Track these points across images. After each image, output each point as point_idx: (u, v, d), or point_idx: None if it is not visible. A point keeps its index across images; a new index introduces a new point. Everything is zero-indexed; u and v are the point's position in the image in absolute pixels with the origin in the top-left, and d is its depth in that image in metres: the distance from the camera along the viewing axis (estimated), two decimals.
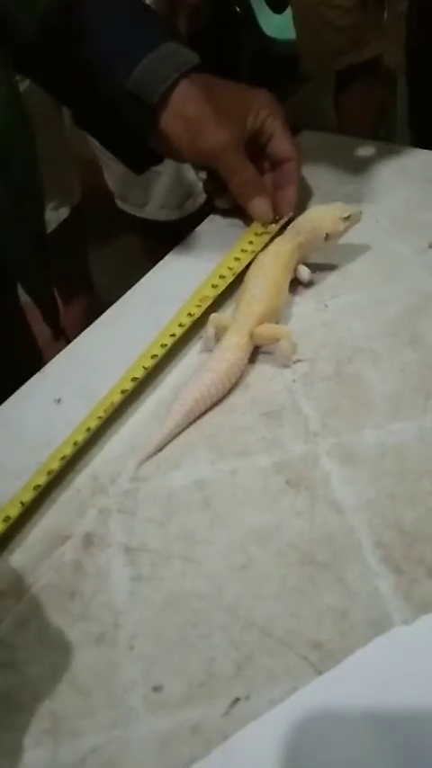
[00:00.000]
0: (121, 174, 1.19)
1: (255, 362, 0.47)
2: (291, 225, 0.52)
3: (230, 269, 0.52)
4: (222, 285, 0.50)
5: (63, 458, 0.41)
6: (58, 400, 0.46)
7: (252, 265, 0.50)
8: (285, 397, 0.44)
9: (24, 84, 0.54)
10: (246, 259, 0.52)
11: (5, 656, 0.34)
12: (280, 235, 0.52)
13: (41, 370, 0.48)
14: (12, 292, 0.63)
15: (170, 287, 0.53)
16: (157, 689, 0.32)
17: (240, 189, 0.54)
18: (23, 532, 0.39)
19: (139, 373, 0.45)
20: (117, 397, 0.44)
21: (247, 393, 0.45)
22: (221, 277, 0.51)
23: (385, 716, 0.31)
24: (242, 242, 0.54)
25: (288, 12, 1.39)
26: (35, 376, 0.48)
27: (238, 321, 0.46)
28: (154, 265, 0.56)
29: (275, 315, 0.47)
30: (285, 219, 0.55)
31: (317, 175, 0.62)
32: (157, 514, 0.39)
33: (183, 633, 0.34)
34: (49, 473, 0.40)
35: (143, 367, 0.45)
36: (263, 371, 0.46)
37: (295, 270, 0.51)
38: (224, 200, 0.57)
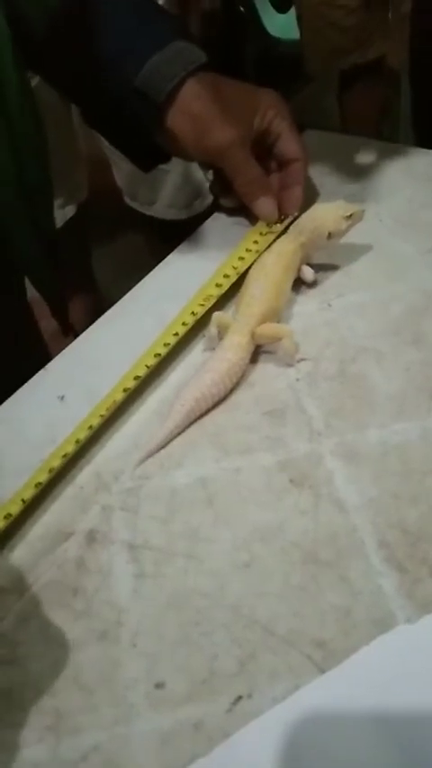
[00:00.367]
0: (130, 172, 1.19)
1: (258, 361, 0.47)
2: (293, 224, 0.52)
3: (235, 268, 0.51)
4: (226, 284, 0.50)
5: (65, 456, 0.41)
6: (62, 397, 0.46)
7: (254, 265, 0.50)
8: (289, 396, 0.44)
9: (34, 81, 0.54)
10: (250, 258, 0.52)
11: (8, 653, 0.34)
12: (284, 234, 0.52)
13: (45, 367, 0.48)
14: (19, 289, 0.63)
15: (174, 285, 0.53)
16: (159, 686, 0.32)
17: (246, 188, 0.54)
18: (26, 529, 0.39)
19: (142, 372, 0.45)
20: (120, 396, 0.44)
21: (250, 391, 0.45)
22: (226, 276, 0.51)
23: (388, 714, 0.31)
24: (247, 241, 0.54)
25: (292, 11, 1.39)
26: (38, 373, 0.48)
27: (239, 321, 0.46)
28: (159, 264, 0.56)
29: (276, 315, 0.47)
30: (290, 219, 0.55)
31: (320, 175, 0.62)
32: (160, 512, 0.39)
33: (185, 631, 0.34)
34: (50, 471, 0.40)
35: (146, 365, 0.45)
36: (266, 370, 0.46)
37: (299, 270, 0.51)
38: (230, 199, 0.57)
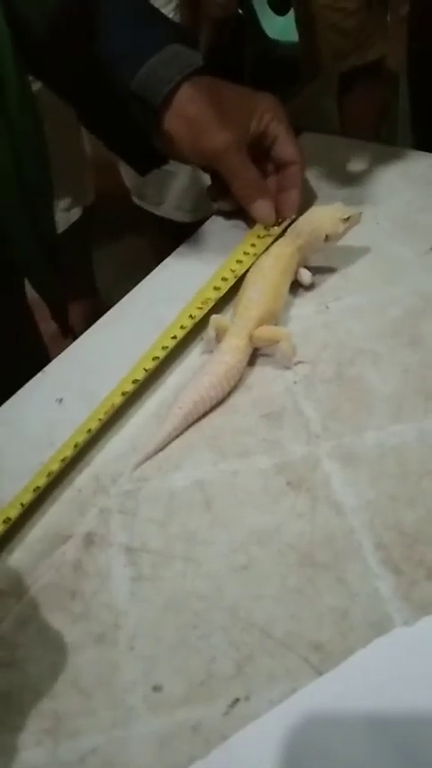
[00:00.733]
0: None
1: (256, 364, 0.47)
2: (291, 227, 0.52)
3: (233, 271, 0.52)
4: (224, 287, 0.51)
5: (64, 460, 0.41)
6: (60, 400, 0.46)
7: (252, 268, 0.50)
8: (286, 399, 0.44)
9: (37, 85, 0.54)
10: (248, 261, 0.52)
11: (6, 656, 0.34)
12: (281, 237, 0.52)
13: (43, 370, 0.48)
14: (19, 290, 0.63)
15: (172, 289, 0.53)
16: (157, 689, 0.33)
17: (243, 191, 0.54)
18: (24, 532, 0.39)
19: (141, 375, 0.45)
20: (118, 399, 0.44)
21: (248, 394, 0.45)
22: (224, 279, 0.51)
23: (385, 717, 0.31)
24: (245, 244, 0.54)
25: (291, 14, 1.39)
26: (37, 376, 0.48)
27: (237, 324, 0.46)
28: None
29: (274, 317, 0.48)
30: (288, 222, 0.55)
31: (318, 177, 0.62)
32: (158, 515, 0.39)
33: (183, 633, 0.34)
34: (49, 475, 0.40)
35: (144, 369, 0.46)
36: (264, 373, 0.46)
37: (296, 273, 0.51)
38: (227, 202, 0.57)
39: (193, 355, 0.48)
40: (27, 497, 0.39)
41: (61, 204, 1.11)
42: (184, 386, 0.45)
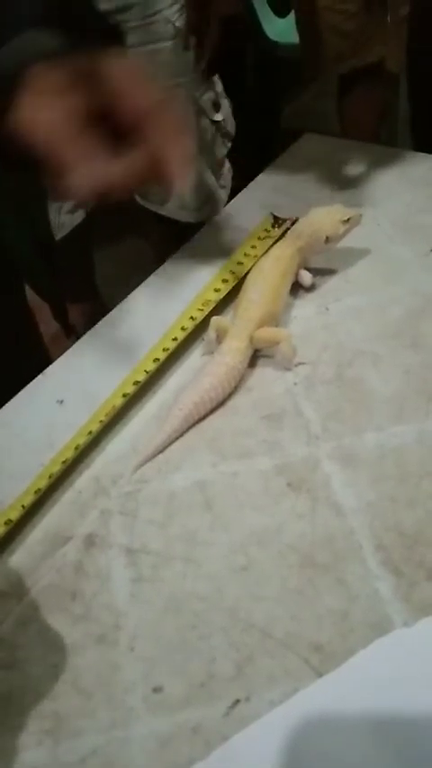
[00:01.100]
0: None
1: (256, 365, 0.47)
2: (291, 229, 0.52)
3: (233, 273, 0.52)
4: (225, 289, 0.51)
5: (65, 462, 0.41)
6: (61, 401, 0.46)
7: (252, 270, 0.50)
8: (287, 400, 0.44)
9: None
10: (249, 263, 0.52)
11: (7, 657, 0.34)
12: (282, 239, 0.52)
13: (44, 371, 0.49)
14: (19, 292, 0.63)
15: (173, 291, 0.53)
16: (157, 690, 0.33)
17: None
18: (25, 533, 0.39)
19: (142, 377, 0.45)
20: (119, 401, 0.44)
21: (248, 396, 0.45)
22: (224, 281, 0.51)
23: (385, 717, 0.31)
24: (245, 246, 0.54)
25: (291, 16, 1.39)
26: (37, 378, 0.48)
27: (238, 325, 0.46)
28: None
29: (274, 319, 0.48)
30: (288, 224, 0.55)
31: (318, 179, 0.63)
32: (158, 516, 0.39)
33: (183, 634, 0.34)
34: (50, 477, 0.40)
35: (145, 371, 0.46)
36: (264, 374, 0.46)
37: (297, 274, 0.51)
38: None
39: (194, 357, 0.48)
40: (28, 499, 0.39)
41: (65, 206, 1.11)
42: (184, 387, 0.45)
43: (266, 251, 0.52)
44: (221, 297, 0.50)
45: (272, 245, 0.52)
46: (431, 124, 0.79)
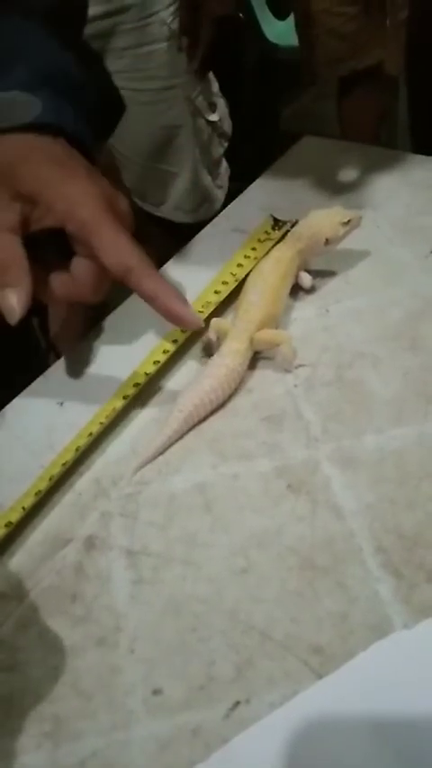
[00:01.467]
0: (140, 172, 1.20)
1: (256, 367, 0.47)
2: (291, 231, 0.52)
3: (233, 275, 0.52)
4: (225, 291, 0.51)
5: (65, 463, 0.41)
6: (61, 403, 0.46)
7: (252, 272, 0.50)
8: (287, 402, 0.44)
9: None
10: (248, 265, 0.52)
11: (7, 659, 0.34)
12: (282, 241, 0.52)
13: (44, 373, 0.49)
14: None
15: None
16: (157, 692, 0.33)
17: None
18: (25, 535, 0.39)
19: (142, 379, 0.45)
20: (119, 403, 0.44)
21: (248, 397, 0.45)
22: (224, 283, 0.51)
23: (385, 720, 0.31)
24: (245, 248, 0.54)
25: (291, 18, 1.40)
26: (38, 379, 0.48)
27: (238, 327, 0.46)
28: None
29: (274, 321, 0.48)
30: (288, 226, 0.55)
31: (318, 181, 0.63)
32: (158, 518, 0.39)
33: (183, 636, 0.34)
34: (50, 479, 0.40)
35: (145, 373, 0.46)
36: (264, 376, 0.46)
37: (297, 276, 0.51)
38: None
39: (194, 359, 0.48)
40: (28, 501, 0.39)
41: None
42: (184, 389, 0.45)
43: (266, 253, 0.52)
44: (221, 299, 0.50)
45: (272, 248, 0.52)
46: (430, 126, 0.79)
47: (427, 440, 0.41)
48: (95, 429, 0.43)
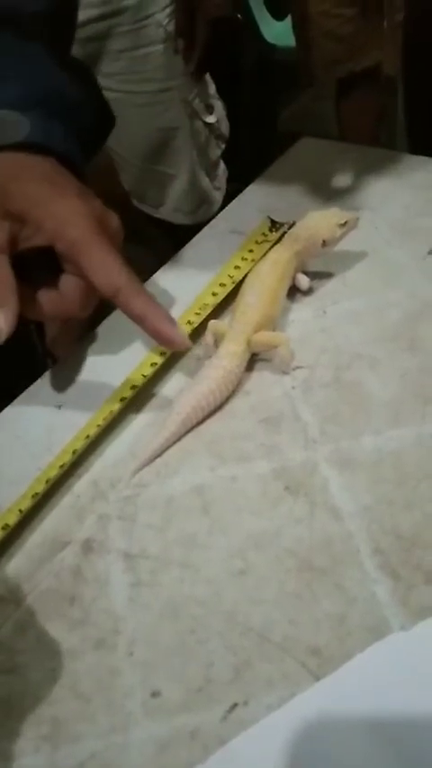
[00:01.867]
0: (138, 174, 1.20)
1: (254, 369, 0.47)
2: (288, 233, 0.52)
3: (230, 277, 0.52)
4: (222, 293, 0.51)
5: (62, 466, 0.41)
6: (60, 406, 0.46)
7: (249, 274, 0.50)
8: (284, 404, 0.44)
9: None
10: (246, 267, 0.52)
11: (5, 662, 0.34)
12: (279, 243, 0.52)
13: (42, 376, 0.49)
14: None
15: (170, 295, 0.53)
16: (155, 694, 0.33)
17: None
18: (23, 538, 0.39)
19: (139, 382, 0.45)
20: (116, 406, 0.44)
21: (246, 399, 0.45)
22: (221, 285, 0.51)
23: (383, 722, 0.31)
24: (242, 250, 0.54)
25: (289, 18, 1.40)
26: (36, 382, 0.48)
27: (235, 329, 0.46)
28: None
29: (272, 322, 0.48)
30: (285, 228, 0.55)
31: (316, 182, 0.63)
32: (156, 520, 0.39)
33: (181, 639, 0.34)
34: (47, 481, 0.40)
35: (143, 375, 0.46)
36: (262, 378, 0.46)
37: (294, 278, 0.51)
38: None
39: (192, 361, 0.48)
40: (26, 504, 0.39)
41: None
42: (182, 391, 0.45)
43: (264, 255, 0.52)
44: (219, 301, 0.50)
45: (269, 249, 0.52)
46: (428, 127, 0.79)
47: (425, 441, 0.41)
48: (93, 432, 0.43)
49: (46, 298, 0.42)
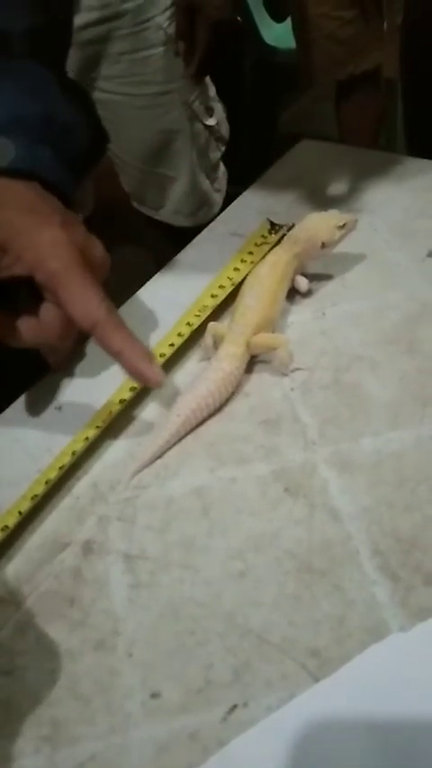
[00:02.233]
0: (138, 176, 1.20)
1: (253, 371, 0.47)
2: (287, 235, 0.52)
3: (230, 279, 0.52)
4: (222, 295, 0.51)
5: (61, 467, 0.41)
6: (59, 408, 0.46)
7: (248, 276, 0.50)
8: (284, 406, 0.44)
9: None
10: (245, 269, 0.52)
11: (5, 663, 0.34)
12: (278, 245, 0.53)
13: (42, 378, 0.49)
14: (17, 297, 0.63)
15: (169, 297, 0.53)
16: (155, 695, 0.33)
17: None
18: (23, 539, 0.39)
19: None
20: (116, 407, 0.44)
21: (245, 401, 0.45)
22: (221, 287, 0.51)
23: (382, 723, 0.31)
24: (242, 252, 0.54)
25: (289, 20, 1.40)
26: (36, 384, 0.48)
27: (234, 331, 0.46)
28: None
29: (271, 324, 0.48)
30: (285, 230, 0.55)
31: (315, 185, 0.63)
32: (156, 522, 0.39)
33: (181, 640, 0.34)
34: (47, 483, 0.40)
35: None
36: (262, 380, 0.46)
37: (293, 280, 0.51)
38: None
39: (191, 363, 0.49)
40: (25, 505, 0.39)
41: None
42: (181, 393, 0.45)
43: (263, 257, 0.52)
44: (218, 303, 0.50)
45: (268, 251, 0.53)
46: (427, 130, 0.80)
47: (425, 443, 0.41)
48: (92, 433, 0.43)
49: (26, 326, 0.42)
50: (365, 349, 0.47)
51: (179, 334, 0.48)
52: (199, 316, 0.49)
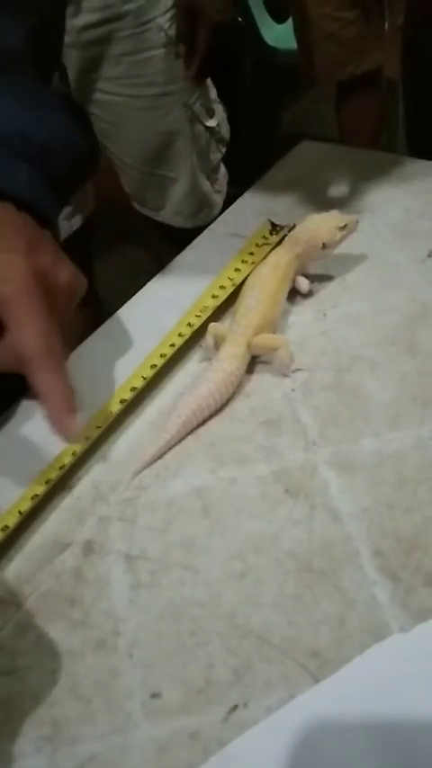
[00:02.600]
0: (138, 177, 1.20)
1: (254, 371, 0.47)
2: (288, 235, 0.52)
3: (231, 279, 0.52)
4: (223, 295, 0.51)
5: (62, 467, 0.41)
6: None
7: (249, 276, 0.50)
8: (284, 406, 0.44)
9: None
10: (246, 270, 0.52)
11: (6, 663, 0.34)
12: (279, 245, 0.53)
13: None
14: None
15: (170, 297, 0.53)
16: (155, 696, 0.33)
17: None
18: (24, 540, 0.39)
19: (139, 383, 0.45)
20: (116, 407, 0.44)
21: (246, 402, 0.45)
22: (222, 287, 0.51)
23: (382, 723, 0.31)
24: (243, 253, 0.54)
25: (290, 21, 1.40)
26: None
27: (235, 332, 0.46)
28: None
29: (272, 325, 0.48)
30: (285, 231, 0.55)
31: (316, 185, 0.63)
32: (156, 522, 0.39)
33: (181, 640, 0.34)
34: (47, 482, 0.40)
35: (143, 377, 0.46)
36: (262, 380, 0.47)
37: (294, 281, 0.51)
38: None
39: (192, 363, 0.49)
40: (25, 505, 0.39)
41: (63, 212, 1.11)
42: (182, 394, 0.45)
43: (264, 258, 0.52)
44: (219, 303, 0.51)
45: (269, 252, 0.53)
46: (428, 131, 0.80)
47: (425, 443, 0.41)
48: (93, 433, 0.43)
49: None
50: (366, 350, 0.47)
51: (180, 335, 0.48)
52: (200, 316, 0.49)
